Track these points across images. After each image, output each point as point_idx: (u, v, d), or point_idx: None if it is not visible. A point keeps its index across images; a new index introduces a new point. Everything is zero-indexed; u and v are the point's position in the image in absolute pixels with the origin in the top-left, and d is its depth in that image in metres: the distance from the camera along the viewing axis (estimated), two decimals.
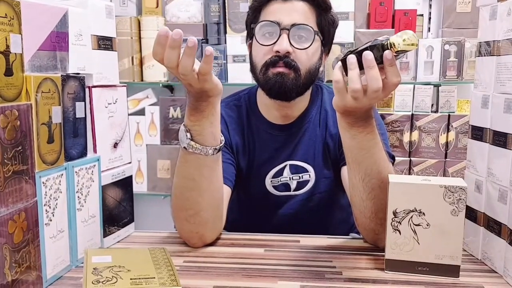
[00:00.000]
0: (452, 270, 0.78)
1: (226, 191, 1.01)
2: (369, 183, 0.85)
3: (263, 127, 1.11)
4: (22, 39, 0.67)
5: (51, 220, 0.74)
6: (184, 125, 0.83)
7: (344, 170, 1.02)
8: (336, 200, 1.13)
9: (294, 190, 1.10)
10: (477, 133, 0.88)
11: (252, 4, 1.07)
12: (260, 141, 1.11)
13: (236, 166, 1.10)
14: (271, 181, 1.10)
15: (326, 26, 1.05)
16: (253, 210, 1.14)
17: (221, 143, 0.86)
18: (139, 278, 0.68)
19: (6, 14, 0.64)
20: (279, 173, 1.10)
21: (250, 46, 1.09)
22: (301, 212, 1.10)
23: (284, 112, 1.08)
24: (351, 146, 0.84)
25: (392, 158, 1.04)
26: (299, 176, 1.10)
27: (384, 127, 1.10)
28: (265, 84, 1.02)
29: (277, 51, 0.99)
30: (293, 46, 0.99)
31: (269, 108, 1.09)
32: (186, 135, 0.82)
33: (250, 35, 1.08)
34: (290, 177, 1.10)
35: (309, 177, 1.09)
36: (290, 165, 1.09)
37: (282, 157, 1.10)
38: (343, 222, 1.12)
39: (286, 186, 1.10)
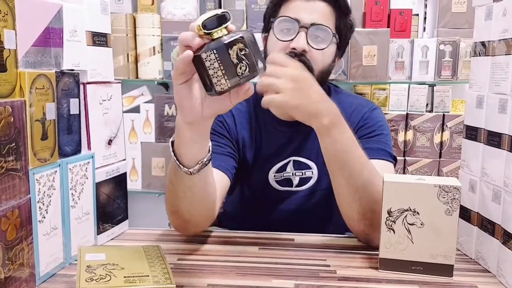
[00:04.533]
0: (446, 270, 0.78)
1: (224, 181, 1.00)
2: (354, 184, 0.86)
3: (270, 122, 1.10)
4: (16, 34, 0.66)
5: (44, 217, 0.74)
6: (172, 142, 0.78)
7: None
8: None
9: (296, 186, 1.10)
10: (472, 133, 0.88)
11: None
12: (267, 136, 1.11)
13: (238, 159, 1.09)
14: (274, 176, 1.10)
15: (343, 29, 1.06)
16: (254, 205, 1.13)
17: (206, 155, 0.78)
18: (133, 276, 0.68)
19: (0, 10, 0.63)
20: (283, 168, 1.10)
21: (265, 40, 1.09)
22: (302, 209, 1.10)
23: None
24: (334, 150, 0.86)
25: (394, 159, 1.04)
26: (302, 173, 1.10)
27: (388, 128, 1.10)
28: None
29: (294, 48, 0.99)
30: (310, 45, 1.00)
31: None
32: (172, 155, 0.78)
33: (267, 29, 1.08)
34: (293, 173, 1.10)
35: (312, 174, 1.09)
36: (294, 161, 1.09)
37: (287, 152, 1.10)
38: (343, 220, 1.12)
39: (288, 182, 1.10)
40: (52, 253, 0.76)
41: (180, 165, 0.76)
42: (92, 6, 0.87)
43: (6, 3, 0.64)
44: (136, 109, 2.17)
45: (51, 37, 0.76)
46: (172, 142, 0.77)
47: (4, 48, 0.64)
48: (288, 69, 0.81)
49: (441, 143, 1.95)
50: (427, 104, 1.98)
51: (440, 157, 1.96)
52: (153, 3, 2.12)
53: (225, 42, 0.62)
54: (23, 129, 0.68)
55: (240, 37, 0.63)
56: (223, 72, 0.63)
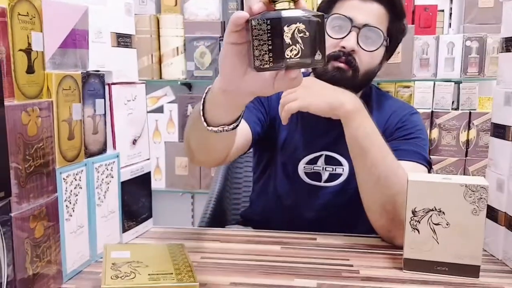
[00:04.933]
0: (472, 271, 0.77)
1: (244, 132, 1.00)
2: (375, 172, 0.88)
3: (308, 111, 1.09)
4: (43, 37, 0.68)
5: (71, 216, 0.75)
6: (204, 100, 0.73)
7: None
8: None
9: (325, 182, 1.09)
10: (499, 130, 0.86)
11: None
12: (303, 123, 1.11)
13: (272, 138, 1.10)
14: (304, 167, 1.09)
15: (395, 33, 1.06)
16: (281, 195, 1.13)
17: (231, 124, 0.74)
18: (157, 274, 0.69)
19: (27, 12, 0.65)
20: (314, 161, 1.09)
21: None
22: (329, 206, 1.09)
23: None
24: (356, 136, 0.90)
25: (429, 164, 1.03)
26: (332, 168, 1.09)
27: (426, 134, 1.10)
28: (321, 75, 1.01)
29: (343, 47, 0.99)
30: (360, 46, 1.00)
31: None
32: (201, 101, 0.74)
33: None
34: (323, 167, 1.09)
35: (342, 171, 1.08)
36: (326, 155, 1.09)
37: (320, 145, 1.09)
38: (368, 222, 1.11)
39: (317, 176, 1.10)
40: (79, 250, 0.78)
41: (202, 116, 0.72)
42: (116, 7, 0.89)
43: (34, 6, 0.66)
44: (160, 109, 2.19)
45: (77, 39, 0.78)
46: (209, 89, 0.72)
47: (32, 50, 0.66)
48: None
49: (467, 141, 1.92)
50: (453, 102, 1.95)
51: (466, 155, 1.92)
52: (176, 4, 2.14)
53: (283, 16, 0.54)
54: (50, 129, 0.69)
55: (305, 16, 0.55)
56: (269, 48, 0.55)
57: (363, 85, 1.06)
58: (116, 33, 0.88)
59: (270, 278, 0.77)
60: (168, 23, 2.11)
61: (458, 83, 1.96)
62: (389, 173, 0.88)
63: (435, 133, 1.92)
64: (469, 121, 1.90)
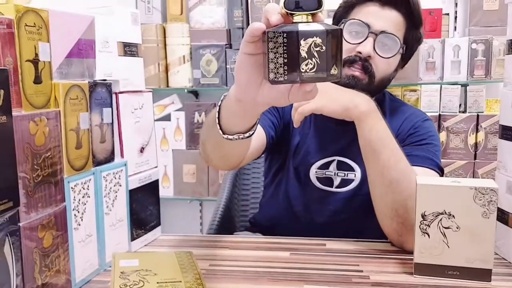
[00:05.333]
0: (484, 274, 0.76)
1: (260, 136, 1.01)
2: (388, 175, 0.88)
3: (322, 116, 1.07)
4: (50, 47, 0.69)
5: (79, 225, 0.76)
6: (220, 107, 0.73)
7: None
8: None
9: (337, 187, 1.09)
10: (508, 132, 0.85)
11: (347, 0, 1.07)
12: (316, 129, 1.11)
13: (285, 142, 1.11)
14: (316, 172, 1.09)
15: (411, 41, 1.06)
16: (292, 199, 1.12)
17: (247, 132, 0.74)
18: (166, 282, 0.69)
19: (34, 23, 0.65)
20: (326, 165, 1.09)
21: None
22: (340, 211, 1.08)
23: None
24: (370, 138, 0.90)
25: (441, 170, 1.02)
26: (344, 174, 1.09)
27: (439, 140, 1.09)
28: (335, 83, 1.01)
29: (359, 52, 1.00)
30: (376, 52, 1.00)
31: None
32: (217, 108, 0.74)
33: None
34: (335, 173, 1.09)
35: (355, 176, 1.08)
36: (338, 161, 1.09)
37: (332, 150, 1.09)
38: (379, 228, 1.10)
39: (329, 181, 1.09)
40: (87, 259, 0.78)
41: (218, 124, 0.72)
42: (123, 17, 0.89)
43: (41, 16, 0.67)
44: (167, 117, 2.20)
45: (83, 49, 0.79)
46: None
47: (39, 60, 0.66)
48: None
49: (476, 144, 1.90)
50: (460, 105, 1.94)
51: (475, 158, 1.91)
52: (182, 13, 2.16)
53: (299, 30, 0.53)
54: (58, 139, 0.70)
55: (322, 30, 0.54)
56: (285, 61, 0.54)
57: (377, 91, 1.06)
58: (123, 42, 0.89)
59: (279, 285, 0.77)
60: (174, 32, 2.13)
61: (465, 85, 1.95)
62: (401, 177, 0.88)
63: (443, 136, 1.91)
64: (477, 124, 1.89)
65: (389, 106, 1.12)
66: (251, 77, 0.62)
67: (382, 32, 1.00)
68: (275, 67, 0.54)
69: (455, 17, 2.06)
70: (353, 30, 1.02)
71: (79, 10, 0.80)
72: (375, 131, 0.90)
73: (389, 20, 1.01)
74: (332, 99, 0.91)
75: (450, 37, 1.98)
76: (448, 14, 1.99)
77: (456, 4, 2.06)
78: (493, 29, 1.90)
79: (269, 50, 0.54)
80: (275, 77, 0.55)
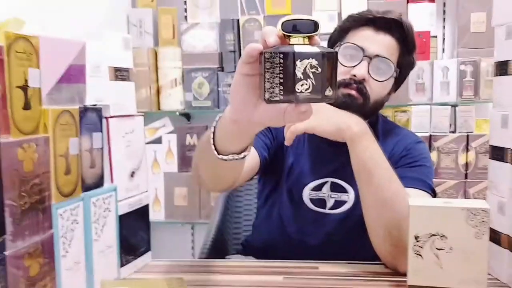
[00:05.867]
0: None
1: (253, 158, 1.01)
2: (382, 196, 0.88)
3: (316, 137, 1.05)
4: (40, 73, 0.69)
5: (67, 252, 0.74)
6: (214, 127, 0.74)
7: None
8: None
9: (330, 209, 1.08)
10: (498, 153, 0.86)
11: (343, 23, 1.09)
12: (310, 151, 1.11)
13: (278, 163, 1.11)
14: (309, 194, 1.09)
15: (405, 65, 1.08)
16: (285, 222, 1.11)
17: (241, 153, 0.75)
18: None
19: (24, 50, 0.65)
20: (319, 187, 1.09)
21: None
22: (334, 233, 1.08)
23: None
24: (363, 158, 0.91)
25: (433, 192, 1.03)
26: (338, 195, 1.09)
27: (431, 162, 1.11)
28: (331, 103, 1.03)
29: (354, 75, 1.01)
30: (370, 75, 1.01)
31: None
32: (212, 129, 0.75)
33: None
34: (328, 194, 1.09)
35: (348, 198, 1.08)
36: (332, 182, 1.09)
37: (325, 172, 1.09)
38: (372, 250, 1.09)
39: (322, 203, 1.09)
40: (75, 287, 0.76)
41: (213, 145, 0.73)
42: (114, 42, 0.90)
43: (31, 43, 0.67)
44: (158, 140, 2.20)
45: (74, 74, 0.79)
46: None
47: (29, 87, 0.66)
48: None
49: (467, 164, 1.91)
50: (450, 125, 1.96)
51: (466, 178, 1.92)
52: (174, 37, 2.18)
53: (296, 51, 0.55)
54: (47, 165, 0.69)
55: (318, 53, 0.55)
56: (281, 81, 0.55)
57: (371, 114, 1.07)
58: (114, 67, 0.89)
59: None
60: (166, 55, 2.14)
61: (454, 106, 1.97)
62: (395, 197, 0.88)
63: (434, 156, 1.92)
64: (467, 144, 1.91)
65: (382, 128, 1.13)
66: (246, 97, 0.63)
67: (377, 56, 1.01)
68: (271, 87, 0.56)
69: (443, 39, 2.09)
70: (348, 54, 1.03)
71: (70, 34, 0.80)
72: (368, 152, 0.91)
73: (383, 44, 1.02)
74: (325, 119, 0.92)
75: (439, 59, 2.01)
76: (436, 36, 2.02)
77: (444, 27, 2.09)
78: (481, 50, 1.93)
79: (266, 70, 0.56)
80: (271, 96, 0.56)
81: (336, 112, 0.94)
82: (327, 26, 1.78)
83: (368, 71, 1.01)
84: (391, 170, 0.91)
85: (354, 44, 1.02)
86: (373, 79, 1.02)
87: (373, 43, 1.02)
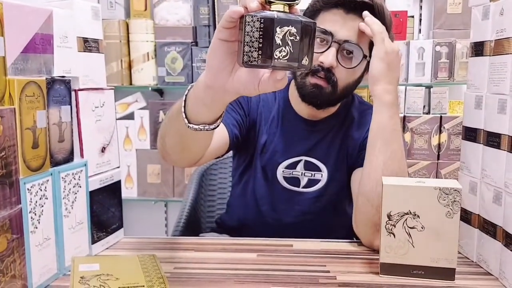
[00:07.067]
0: (448, 273, 0.77)
1: (221, 134, 1.00)
2: (390, 167, 0.89)
3: (290, 115, 1.09)
4: (4, 41, 0.65)
5: (36, 228, 0.72)
6: (186, 96, 0.73)
7: (357, 173, 1.02)
8: (342, 206, 1.11)
9: (303, 187, 1.08)
10: (471, 134, 0.87)
11: (313, 3, 1.04)
12: (283, 128, 1.10)
13: (251, 142, 1.10)
14: (283, 171, 1.09)
15: None
16: (259, 199, 1.11)
17: (212, 123, 0.75)
18: (128, 287, 0.67)
19: None
20: (293, 165, 1.08)
21: None
22: (307, 212, 1.08)
23: (313, 112, 1.07)
24: (386, 126, 0.91)
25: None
26: (311, 174, 1.08)
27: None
28: (300, 89, 1.02)
29: (322, 62, 0.97)
30: (339, 62, 0.98)
31: (299, 102, 1.07)
32: (183, 98, 0.74)
33: None
34: (302, 173, 1.08)
35: (321, 177, 1.08)
36: (306, 161, 1.08)
37: (299, 150, 1.08)
38: (345, 228, 1.10)
39: (296, 181, 1.09)
40: (45, 264, 0.75)
41: (184, 113, 0.73)
42: (83, 11, 0.86)
43: None
44: (130, 116, 2.16)
45: (41, 43, 0.75)
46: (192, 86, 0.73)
47: None
48: None
49: (439, 145, 1.95)
50: (424, 106, 1.98)
51: (438, 159, 1.95)
52: (146, 9, 2.11)
53: (276, 17, 0.56)
54: (13, 138, 0.66)
55: (298, 21, 0.56)
56: (260, 46, 0.56)
57: (342, 98, 1.05)
58: (83, 37, 0.85)
59: (246, 287, 0.75)
60: (138, 28, 2.08)
61: (429, 87, 1.99)
62: (400, 173, 0.90)
63: (407, 137, 1.94)
64: (440, 125, 1.94)
65: (358, 110, 1.12)
66: (222, 63, 0.63)
67: (346, 41, 0.97)
68: (249, 51, 0.56)
69: (420, 20, 2.10)
70: (317, 37, 0.99)
71: (36, 3, 0.76)
72: (393, 121, 0.91)
73: (353, 28, 0.98)
74: (386, 61, 0.92)
75: (415, 39, 2.02)
76: (413, 16, 2.03)
77: (421, 7, 2.10)
78: (456, 32, 1.94)
79: (246, 34, 0.56)
80: (249, 60, 0.57)
81: (397, 70, 0.95)
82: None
83: (337, 58, 0.97)
84: (403, 150, 0.93)
85: (323, 28, 0.98)
86: (342, 66, 0.98)
87: (343, 27, 0.98)
